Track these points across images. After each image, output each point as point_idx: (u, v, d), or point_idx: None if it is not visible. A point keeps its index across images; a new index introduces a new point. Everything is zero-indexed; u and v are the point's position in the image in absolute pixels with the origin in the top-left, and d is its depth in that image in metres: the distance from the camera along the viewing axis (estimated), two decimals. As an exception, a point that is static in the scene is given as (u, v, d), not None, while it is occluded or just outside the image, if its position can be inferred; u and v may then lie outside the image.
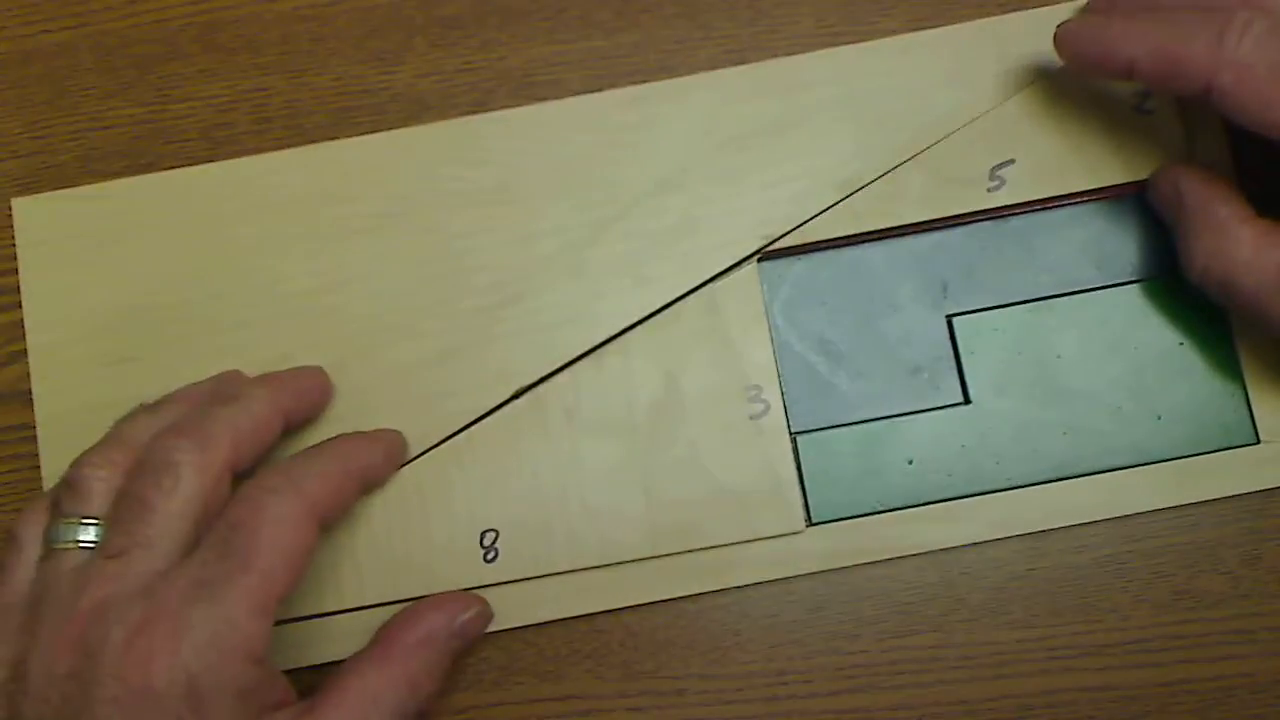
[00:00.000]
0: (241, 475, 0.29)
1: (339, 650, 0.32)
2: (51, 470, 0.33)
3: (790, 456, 0.32)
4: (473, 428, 0.33)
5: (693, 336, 0.33)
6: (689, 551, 0.32)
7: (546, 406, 0.33)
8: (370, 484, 0.31)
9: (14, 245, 0.34)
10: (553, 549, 0.32)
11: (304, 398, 0.32)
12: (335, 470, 0.29)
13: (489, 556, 0.32)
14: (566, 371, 0.33)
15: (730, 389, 0.33)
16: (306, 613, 0.32)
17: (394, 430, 0.32)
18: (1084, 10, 0.34)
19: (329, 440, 0.31)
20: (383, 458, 0.31)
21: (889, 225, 0.33)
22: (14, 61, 0.36)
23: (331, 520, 0.29)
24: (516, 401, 0.33)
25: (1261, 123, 0.28)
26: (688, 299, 0.33)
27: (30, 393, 0.33)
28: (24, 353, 0.34)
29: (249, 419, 0.29)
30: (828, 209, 0.33)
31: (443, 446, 0.33)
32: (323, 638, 0.32)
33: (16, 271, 0.34)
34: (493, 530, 0.32)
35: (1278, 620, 0.33)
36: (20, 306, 0.34)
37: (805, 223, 0.33)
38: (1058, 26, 0.31)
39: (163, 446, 0.27)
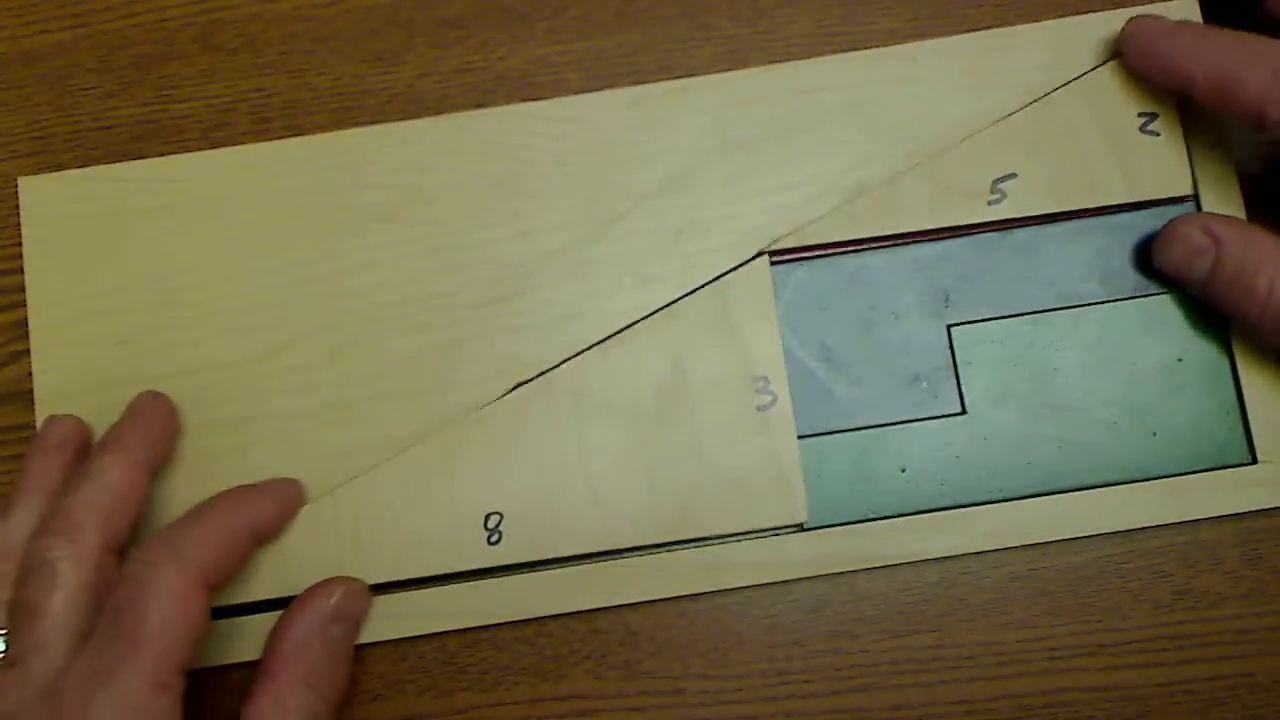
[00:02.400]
0: (125, 547, 0.29)
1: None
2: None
3: (795, 449, 0.32)
4: (480, 411, 0.33)
5: (702, 326, 0.33)
6: (684, 550, 0.32)
7: (554, 391, 0.33)
8: (262, 537, 0.31)
9: (16, 245, 0.34)
10: (556, 533, 0.32)
11: (157, 444, 0.31)
12: (219, 531, 0.29)
13: (492, 539, 0.32)
14: (575, 358, 0.33)
15: (738, 380, 0.33)
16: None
17: (287, 480, 0.32)
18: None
19: (215, 497, 0.30)
20: (273, 509, 0.31)
21: (887, 232, 0.33)
22: (14, 61, 0.36)
23: (222, 582, 0.29)
24: (525, 385, 0.33)
25: None
26: (698, 290, 0.33)
27: (31, 393, 0.33)
28: (24, 353, 0.34)
29: (109, 493, 0.29)
30: (828, 213, 0.33)
31: (449, 428, 0.33)
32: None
33: (18, 271, 0.34)
34: (497, 513, 0.32)
35: (1278, 620, 0.33)
36: (20, 306, 0.34)
37: (805, 226, 0.33)
38: (1129, 20, 0.31)
39: (36, 549, 0.28)
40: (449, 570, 0.32)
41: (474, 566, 0.32)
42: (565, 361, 0.33)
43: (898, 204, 0.33)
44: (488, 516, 0.32)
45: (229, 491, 0.31)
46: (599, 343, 0.33)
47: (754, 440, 0.32)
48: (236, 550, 0.29)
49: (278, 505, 0.31)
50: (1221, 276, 0.30)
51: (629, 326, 0.33)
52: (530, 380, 0.33)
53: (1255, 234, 0.30)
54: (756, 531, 0.32)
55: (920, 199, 0.33)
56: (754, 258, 0.33)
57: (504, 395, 0.33)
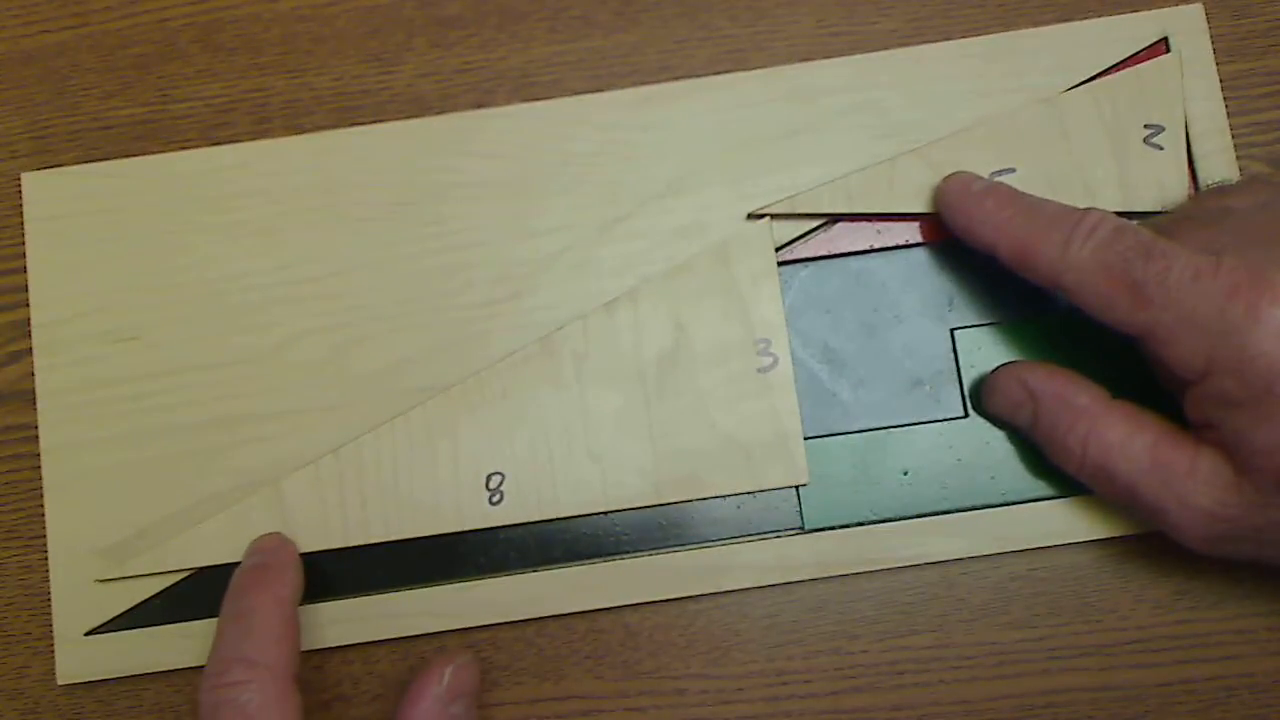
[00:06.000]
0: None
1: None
2: (51, 446, 0.33)
3: (796, 411, 0.32)
4: (482, 372, 0.33)
5: (703, 288, 0.33)
6: (685, 551, 0.32)
7: (556, 353, 0.33)
8: (298, 598, 0.30)
9: (16, 245, 0.34)
10: (557, 494, 0.32)
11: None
12: (270, 621, 0.29)
13: (494, 499, 0.32)
14: (577, 320, 0.33)
15: (739, 341, 0.33)
16: (312, 548, 0.32)
17: (270, 535, 0.32)
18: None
19: (240, 587, 0.30)
20: (291, 566, 0.31)
21: (879, 210, 0.33)
22: (14, 61, 0.36)
23: (298, 665, 0.29)
24: (527, 347, 0.33)
25: (1104, 320, 0.28)
26: (700, 252, 0.33)
27: (31, 393, 0.33)
28: (25, 353, 0.34)
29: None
30: (823, 189, 0.33)
31: (451, 389, 0.33)
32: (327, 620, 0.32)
33: (18, 271, 0.34)
34: (499, 474, 0.32)
35: (1278, 620, 0.33)
36: (21, 306, 0.34)
37: (797, 196, 0.33)
38: (943, 180, 0.32)
39: None
40: (450, 530, 0.32)
41: (475, 526, 0.32)
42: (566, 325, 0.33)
43: (894, 182, 0.33)
44: (489, 477, 0.32)
45: (245, 575, 0.30)
46: (600, 306, 0.33)
47: (755, 402, 0.32)
48: (293, 628, 0.29)
49: (290, 559, 0.31)
50: (1040, 430, 0.31)
51: (630, 290, 0.33)
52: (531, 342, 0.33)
53: (1069, 388, 0.30)
54: (752, 540, 0.32)
55: (916, 181, 0.33)
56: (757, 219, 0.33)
57: (505, 357, 0.33)
